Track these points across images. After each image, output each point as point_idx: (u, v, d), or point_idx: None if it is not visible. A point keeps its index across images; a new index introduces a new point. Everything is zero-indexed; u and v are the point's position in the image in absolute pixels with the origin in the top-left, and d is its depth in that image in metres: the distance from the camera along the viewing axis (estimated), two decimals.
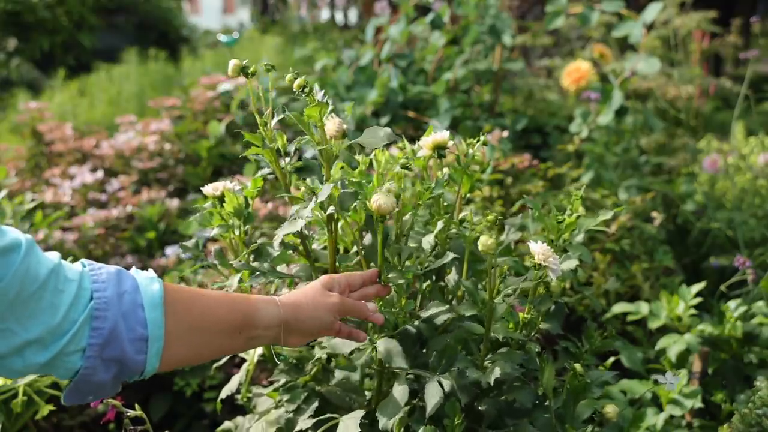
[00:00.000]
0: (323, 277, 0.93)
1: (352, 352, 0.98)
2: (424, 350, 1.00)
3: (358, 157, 1.01)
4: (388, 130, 0.94)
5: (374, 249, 0.98)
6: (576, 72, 2.58)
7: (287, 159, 1.04)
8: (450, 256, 0.99)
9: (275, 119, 1.01)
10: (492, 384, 0.91)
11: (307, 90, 0.97)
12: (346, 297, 0.92)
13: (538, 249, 0.93)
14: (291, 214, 0.99)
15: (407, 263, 1.02)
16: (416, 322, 0.98)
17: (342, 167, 1.00)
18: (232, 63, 1.02)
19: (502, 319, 0.96)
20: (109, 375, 0.73)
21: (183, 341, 0.77)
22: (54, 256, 0.73)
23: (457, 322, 0.98)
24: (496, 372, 0.91)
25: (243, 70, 1.01)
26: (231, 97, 3.15)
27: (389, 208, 0.92)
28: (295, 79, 0.98)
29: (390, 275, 0.96)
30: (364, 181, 0.97)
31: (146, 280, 0.76)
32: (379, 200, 0.92)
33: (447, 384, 0.92)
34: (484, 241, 0.88)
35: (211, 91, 3.23)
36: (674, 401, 1.35)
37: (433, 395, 0.90)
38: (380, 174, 1.01)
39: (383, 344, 0.94)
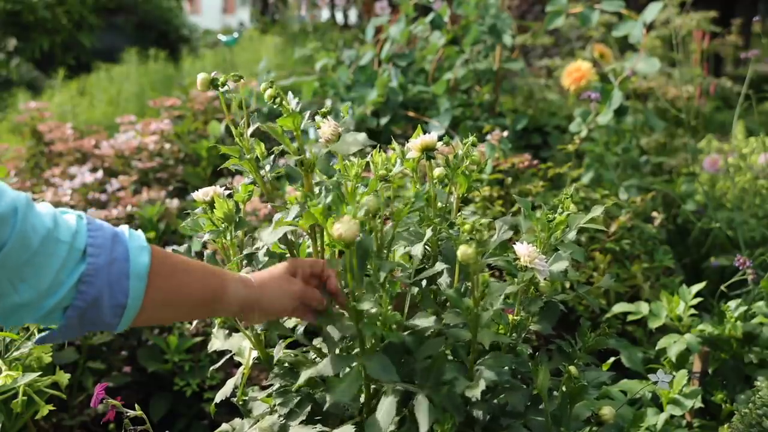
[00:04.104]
0: (287, 263, 0.95)
1: (339, 373, 0.95)
2: (413, 354, 0.99)
3: (354, 160, 1.00)
4: (361, 136, 0.93)
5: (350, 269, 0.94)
6: (576, 72, 2.58)
7: (267, 167, 1.03)
8: (440, 266, 0.98)
9: (251, 129, 1.01)
10: (479, 397, 0.90)
11: (278, 100, 0.95)
12: (309, 284, 0.95)
13: (524, 251, 0.93)
14: (274, 221, 0.98)
15: (398, 269, 1.01)
16: (403, 334, 0.95)
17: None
18: (200, 77, 1.00)
19: (491, 323, 0.95)
20: (82, 330, 0.77)
21: (155, 310, 0.81)
22: (48, 213, 0.73)
23: (445, 328, 0.96)
24: (482, 384, 0.90)
25: (212, 83, 1.00)
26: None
27: (352, 237, 0.87)
28: (269, 88, 0.97)
29: (363, 303, 0.91)
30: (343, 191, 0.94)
31: (137, 249, 0.78)
32: (339, 229, 0.86)
33: (437, 400, 0.91)
34: (464, 251, 0.86)
35: (211, 91, 3.23)
36: (674, 401, 1.35)
37: (424, 412, 0.88)
38: (377, 176, 1.00)
39: (371, 361, 0.91)
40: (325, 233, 1.01)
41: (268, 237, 0.97)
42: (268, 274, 0.93)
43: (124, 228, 0.80)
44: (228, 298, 0.88)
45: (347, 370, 0.94)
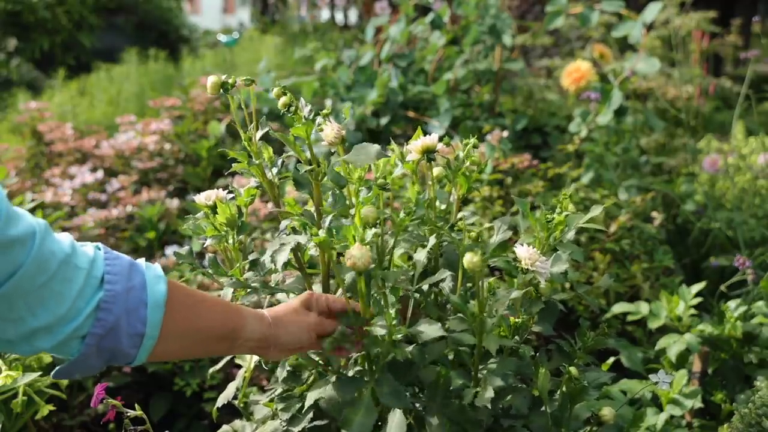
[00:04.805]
0: (303, 296, 0.95)
1: (350, 399, 0.94)
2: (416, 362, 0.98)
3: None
4: (376, 147, 0.92)
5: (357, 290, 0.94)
6: (576, 72, 2.58)
7: (274, 170, 1.02)
8: (444, 273, 0.97)
9: (260, 133, 1.00)
10: (489, 405, 0.89)
11: (293, 108, 0.94)
12: (325, 318, 0.94)
13: (525, 253, 0.93)
14: (281, 229, 0.98)
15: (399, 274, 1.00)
16: (409, 349, 0.95)
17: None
18: (210, 80, 0.98)
19: (495, 327, 0.95)
20: (101, 361, 0.76)
21: (173, 341, 0.81)
22: (66, 241, 0.74)
23: (448, 333, 0.96)
24: (489, 391, 0.90)
25: (223, 86, 0.99)
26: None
27: (365, 265, 0.86)
28: (282, 95, 0.95)
29: (376, 328, 0.91)
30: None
31: (154, 279, 0.79)
32: (353, 258, 0.85)
33: (449, 414, 0.91)
34: (470, 259, 0.86)
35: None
36: (674, 401, 1.35)
37: (439, 430, 0.88)
38: (377, 184, 0.99)
39: (383, 386, 0.91)
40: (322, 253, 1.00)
41: (280, 257, 0.96)
42: (283, 309, 0.93)
43: (141, 260, 0.80)
44: (245, 333, 0.87)
45: (357, 390, 0.93)
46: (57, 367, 0.76)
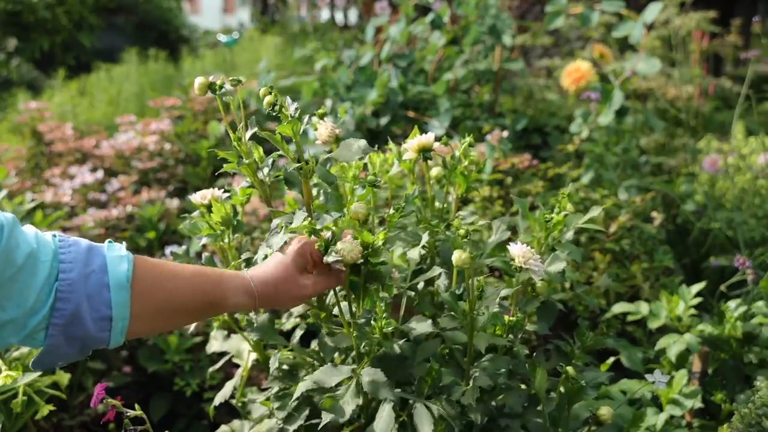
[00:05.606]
0: (295, 257, 0.90)
1: (337, 385, 0.94)
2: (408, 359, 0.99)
3: (352, 161, 0.99)
4: (363, 142, 0.92)
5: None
6: (576, 72, 2.58)
7: (265, 171, 1.02)
8: (437, 270, 0.98)
9: (249, 133, 1.00)
10: (474, 404, 0.90)
11: (277, 107, 0.94)
12: (321, 266, 0.92)
13: (518, 251, 0.93)
14: (273, 227, 0.98)
15: (395, 271, 1.00)
16: (399, 343, 0.95)
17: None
18: (198, 81, 0.98)
19: (488, 324, 0.95)
20: (74, 349, 0.75)
21: (148, 319, 0.79)
22: (31, 234, 0.74)
23: (441, 331, 0.96)
24: (476, 391, 0.90)
25: (210, 87, 0.98)
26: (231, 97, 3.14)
27: (353, 259, 0.88)
28: (267, 94, 0.95)
29: (361, 320, 0.92)
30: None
31: (116, 259, 0.77)
32: (342, 251, 0.88)
33: (435, 408, 0.91)
34: (459, 256, 0.87)
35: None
36: (674, 401, 1.35)
37: (425, 422, 0.89)
38: (369, 181, 0.99)
39: (368, 375, 0.91)
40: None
41: (276, 242, 0.97)
42: (273, 276, 0.88)
43: (105, 243, 0.79)
44: (229, 303, 0.86)
45: (343, 378, 0.93)
46: (33, 358, 0.76)
